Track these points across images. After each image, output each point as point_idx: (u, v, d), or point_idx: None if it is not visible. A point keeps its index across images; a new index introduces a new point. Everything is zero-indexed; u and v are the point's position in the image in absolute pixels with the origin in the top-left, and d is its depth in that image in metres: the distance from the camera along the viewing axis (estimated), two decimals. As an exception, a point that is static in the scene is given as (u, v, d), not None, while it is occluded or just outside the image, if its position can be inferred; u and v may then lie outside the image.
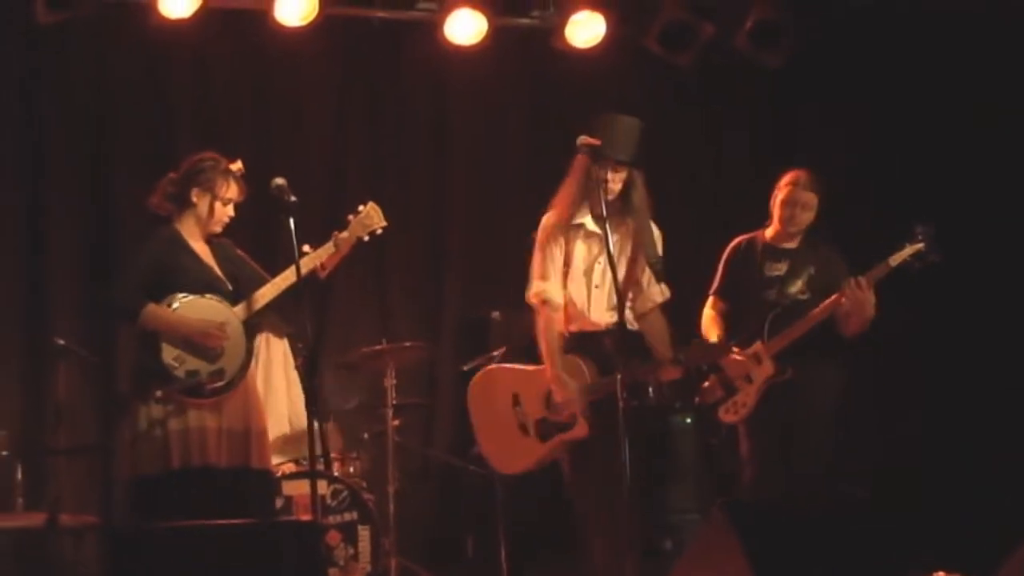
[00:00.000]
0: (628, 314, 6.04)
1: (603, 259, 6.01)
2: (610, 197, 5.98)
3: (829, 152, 8.29)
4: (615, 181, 6.01)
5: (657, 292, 6.12)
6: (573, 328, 6.15)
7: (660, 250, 6.14)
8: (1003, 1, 8.01)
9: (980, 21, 8.19)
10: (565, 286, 6.15)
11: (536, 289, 6.17)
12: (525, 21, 8.20)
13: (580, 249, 6.13)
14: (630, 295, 6.08)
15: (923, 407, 8.25)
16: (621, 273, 5.99)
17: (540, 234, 6.18)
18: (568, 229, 6.12)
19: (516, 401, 6.25)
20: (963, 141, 8.36)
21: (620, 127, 6.02)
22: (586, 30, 8.04)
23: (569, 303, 6.15)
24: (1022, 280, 8.13)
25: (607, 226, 5.77)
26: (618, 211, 6.03)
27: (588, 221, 6.11)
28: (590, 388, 6.04)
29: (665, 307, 6.17)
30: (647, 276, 6.11)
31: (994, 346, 8.19)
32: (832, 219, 6.82)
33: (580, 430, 6.06)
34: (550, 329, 6.12)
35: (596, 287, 6.12)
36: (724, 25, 8.08)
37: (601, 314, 6.13)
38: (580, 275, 6.13)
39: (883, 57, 8.44)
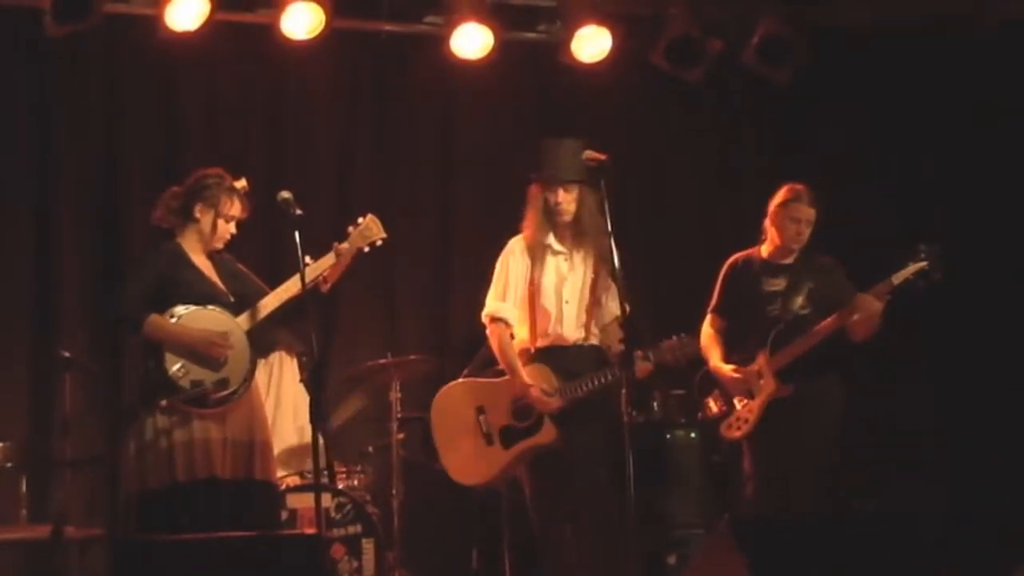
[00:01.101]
0: (594, 328, 6.26)
1: (571, 276, 6.23)
2: (566, 218, 6.20)
3: (836, 164, 8.32)
4: (567, 202, 6.19)
5: (616, 305, 6.13)
6: (543, 343, 6.26)
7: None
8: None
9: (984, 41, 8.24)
10: (533, 304, 6.25)
11: (491, 308, 6.33)
12: (531, 35, 8.23)
13: (549, 267, 6.27)
14: (625, 308, 6.15)
15: (927, 419, 8.25)
16: (588, 290, 6.21)
17: (505, 253, 6.35)
18: (536, 249, 6.28)
19: (481, 411, 6.33)
20: (970, 153, 8.39)
21: (560, 151, 6.17)
22: (592, 45, 8.04)
23: (541, 318, 6.25)
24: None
25: (614, 242, 5.86)
26: (576, 231, 6.21)
27: (554, 241, 6.28)
28: (566, 389, 6.13)
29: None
30: (609, 291, 6.19)
31: (998, 356, 8.20)
32: (839, 231, 6.83)
33: (546, 435, 6.14)
34: (505, 342, 6.28)
35: (566, 303, 6.25)
36: (732, 40, 8.09)
37: (572, 330, 6.25)
38: (551, 292, 6.26)
39: (890, 71, 8.46)
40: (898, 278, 6.47)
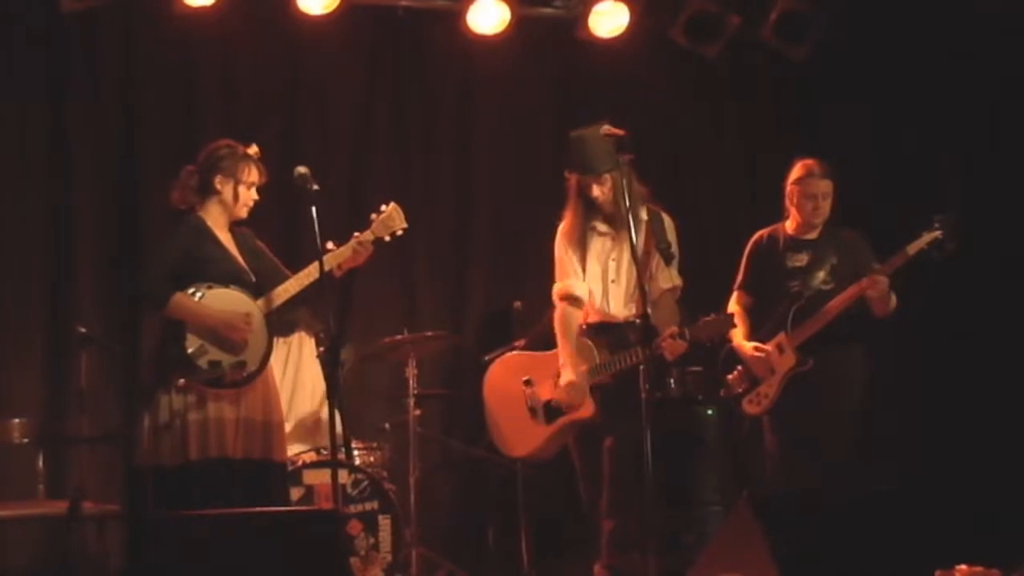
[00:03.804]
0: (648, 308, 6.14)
1: (616, 255, 6.27)
2: (606, 208, 6.25)
3: (856, 142, 8.28)
4: (603, 193, 6.24)
5: (664, 278, 6.21)
6: (593, 319, 6.33)
7: (672, 237, 6.25)
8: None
9: (1000, 16, 8.19)
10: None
11: (561, 287, 6.38)
12: (548, 11, 8.19)
13: (595, 248, 6.33)
14: (646, 287, 6.12)
15: (951, 398, 8.21)
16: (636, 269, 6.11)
17: (558, 241, 6.40)
18: (578, 233, 6.34)
19: (528, 384, 6.43)
20: (990, 134, 8.34)
21: (583, 143, 6.20)
22: (610, 20, 8.03)
23: (589, 299, 6.33)
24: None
25: (631, 228, 5.86)
26: (617, 213, 6.19)
27: (599, 223, 6.33)
28: (596, 369, 6.19)
29: (678, 295, 6.23)
30: (656, 263, 6.22)
31: (1017, 339, 8.16)
32: (860, 211, 6.81)
33: (585, 410, 6.19)
34: (568, 320, 6.33)
35: (612, 282, 6.31)
36: (751, 16, 8.06)
37: (619, 308, 6.31)
38: (597, 273, 6.32)
39: (911, 49, 8.42)
40: (913, 249, 6.48)
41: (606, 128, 5.97)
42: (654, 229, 6.16)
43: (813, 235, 6.72)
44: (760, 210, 7.06)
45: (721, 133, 8.72)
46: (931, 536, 5.24)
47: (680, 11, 7.94)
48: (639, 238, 6.08)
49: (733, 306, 6.80)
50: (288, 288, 6.09)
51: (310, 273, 6.02)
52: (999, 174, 8.29)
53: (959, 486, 7.67)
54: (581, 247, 6.32)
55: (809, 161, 6.70)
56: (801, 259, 6.69)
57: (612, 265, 6.30)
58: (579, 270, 6.32)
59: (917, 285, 6.63)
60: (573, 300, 6.33)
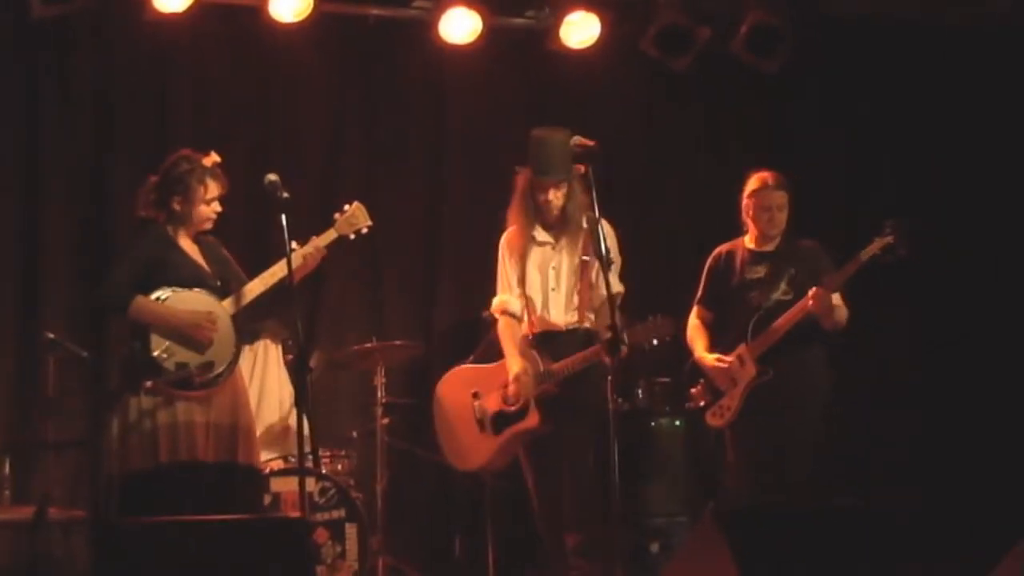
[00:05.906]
0: (588, 312, 6.33)
1: (556, 263, 6.33)
2: (554, 213, 6.31)
3: (824, 154, 8.33)
4: (556, 198, 6.29)
5: (603, 286, 6.12)
6: (536, 330, 6.38)
7: (612, 243, 6.20)
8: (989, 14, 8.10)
9: (969, 31, 8.27)
10: (524, 292, 6.39)
11: (498, 302, 6.48)
12: (520, 21, 8.20)
13: (535, 257, 6.38)
14: (611, 293, 6.15)
15: (916, 409, 8.26)
16: (577, 275, 6.30)
17: (500, 248, 6.48)
18: (521, 241, 6.40)
19: (476, 397, 6.47)
20: (955, 143, 8.41)
21: (546, 146, 6.22)
22: (580, 31, 8.04)
23: (530, 307, 6.39)
24: (1018, 281, 8.18)
25: (603, 234, 5.91)
26: (562, 220, 6.31)
27: (538, 231, 6.38)
28: (540, 376, 6.24)
29: (618, 302, 6.14)
30: (596, 271, 6.22)
31: (988, 349, 8.21)
32: (823, 220, 6.84)
33: (531, 420, 6.25)
34: (511, 330, 6.42)
35: (553, 290, 6.37)
36: (721, 28, 8.08)
37: (560, 316, 6.36)
38: (536, 281, 6.38)
39: (878, 62, 8.48)
40: (865, 255, 6.52)
41: (577, 139, 5.99)
42: (592, 237, 6.12)
43: (771, 247, 6.75)
44: (731, 219, 7.07)
45: (693, 142, 8.74)
46: (895, 548, 5.26)
47: (651, 23, 7.96)
48: (579, 246, 6.25)
49: (693, 320, 6.84)
50: (254, 287, 6.08)
51: (275, 272, 6.03)
52: (966, 179, 8.37)
53: (924, 497, 7.74)
54: (522, 259, 6.39)
55: (764, 173, 6.74)
56: (759, 271, 6.72)
57: (552, 273, 6.36)
58: (515, 283, 6.40)
59: (879, 295, 6.66)
60: (511, 315, 6.43)
